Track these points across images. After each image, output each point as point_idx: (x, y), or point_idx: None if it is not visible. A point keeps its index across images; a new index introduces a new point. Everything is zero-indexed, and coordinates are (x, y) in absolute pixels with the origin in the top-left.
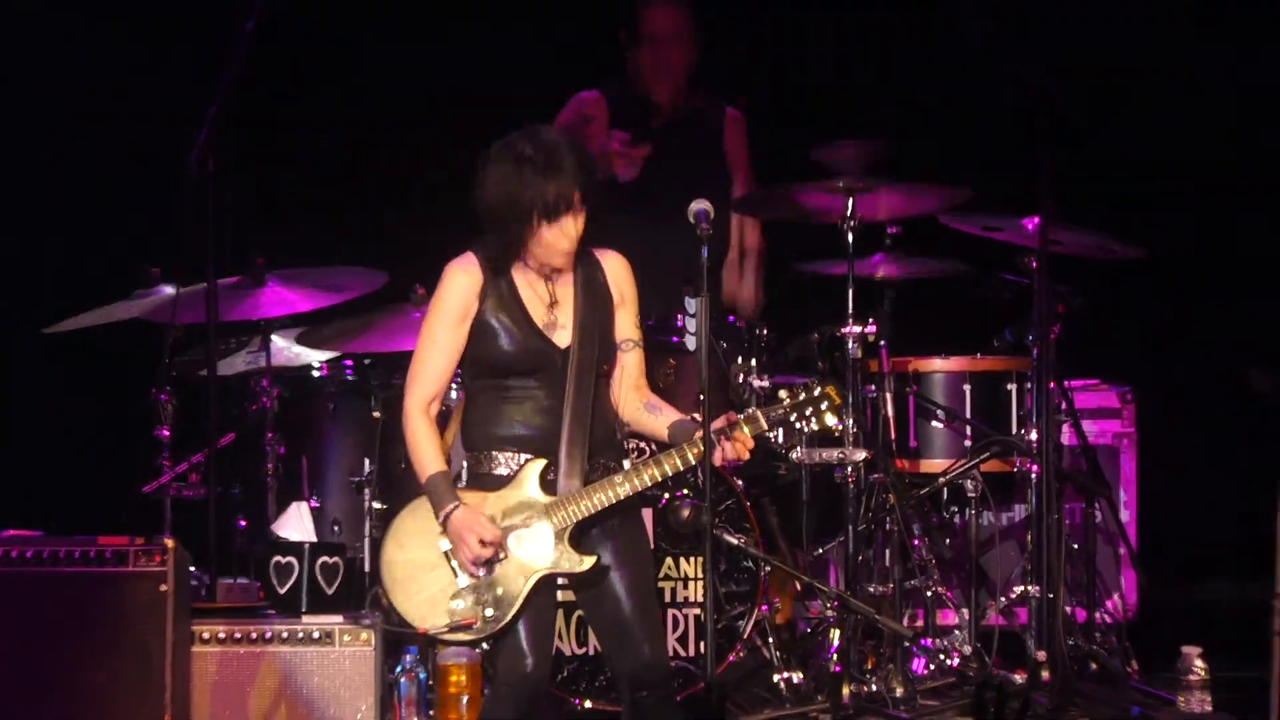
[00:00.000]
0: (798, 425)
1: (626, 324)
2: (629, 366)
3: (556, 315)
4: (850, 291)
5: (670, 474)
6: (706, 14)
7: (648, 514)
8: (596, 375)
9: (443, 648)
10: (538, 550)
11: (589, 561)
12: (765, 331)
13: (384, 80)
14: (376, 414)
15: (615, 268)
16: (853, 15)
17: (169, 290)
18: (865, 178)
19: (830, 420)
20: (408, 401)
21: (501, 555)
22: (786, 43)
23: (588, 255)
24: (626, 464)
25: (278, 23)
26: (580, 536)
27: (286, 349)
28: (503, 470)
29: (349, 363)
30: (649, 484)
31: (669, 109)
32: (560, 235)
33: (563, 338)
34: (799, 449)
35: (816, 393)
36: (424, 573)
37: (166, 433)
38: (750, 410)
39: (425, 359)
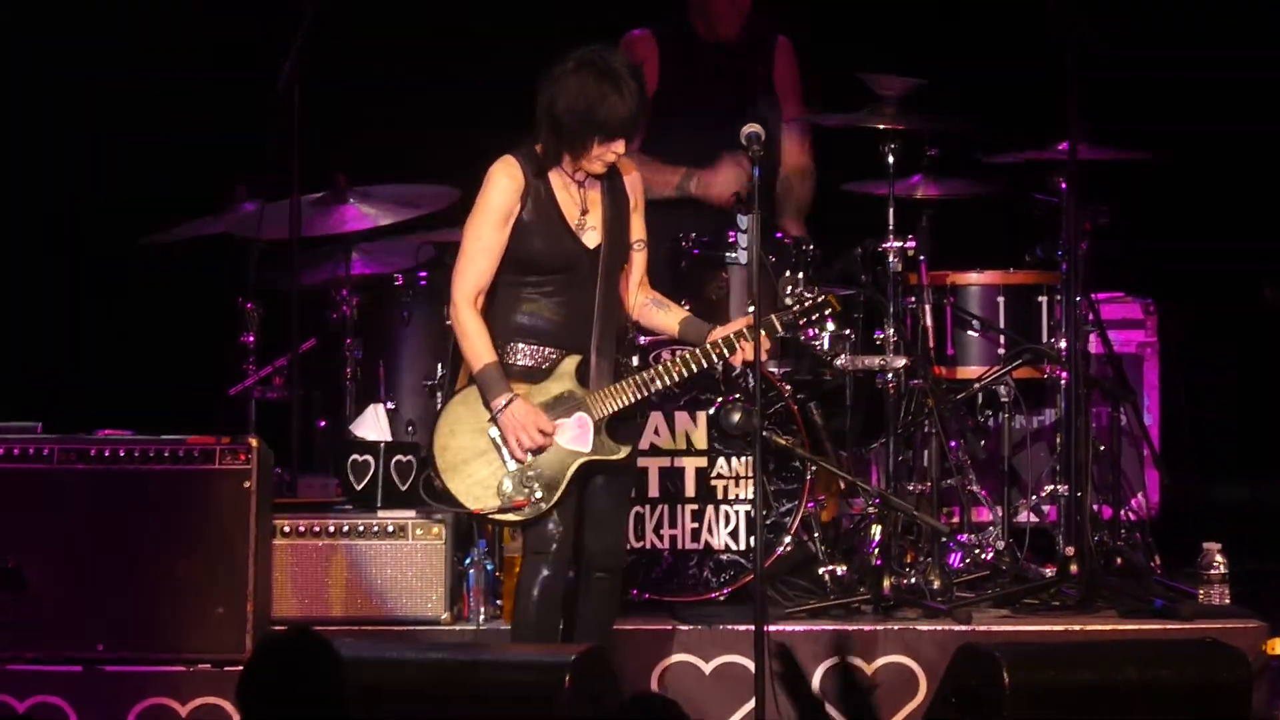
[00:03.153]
0: (807, 331)
1: (638, 226)
2: (637, 265)
3: (587, 219)
4: (891, 210)
5: (696, 372)
6: None
7: (701, 416)
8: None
9: (510, 540)
10: (579, 438)
11: (624, 450)
12: (811, 247)
13: (456, 11)
14: (449, 322)
15: (630, 171)
16: None
17: (253, 206)
18: (905, 110)
19: (830, 326)
20: (456, 296)
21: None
22: None
23: None
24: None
25: None
26: (611, 427)
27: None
28: (524, 361)
29: (423, 274)
30: (677, 380)
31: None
32: (609, 153)
33: (592, 239)
34: (843, 356)
35: (820, 299)
36: (474, 457)
37: (252, 339)
38: (766, 316)
39: (472, 256)
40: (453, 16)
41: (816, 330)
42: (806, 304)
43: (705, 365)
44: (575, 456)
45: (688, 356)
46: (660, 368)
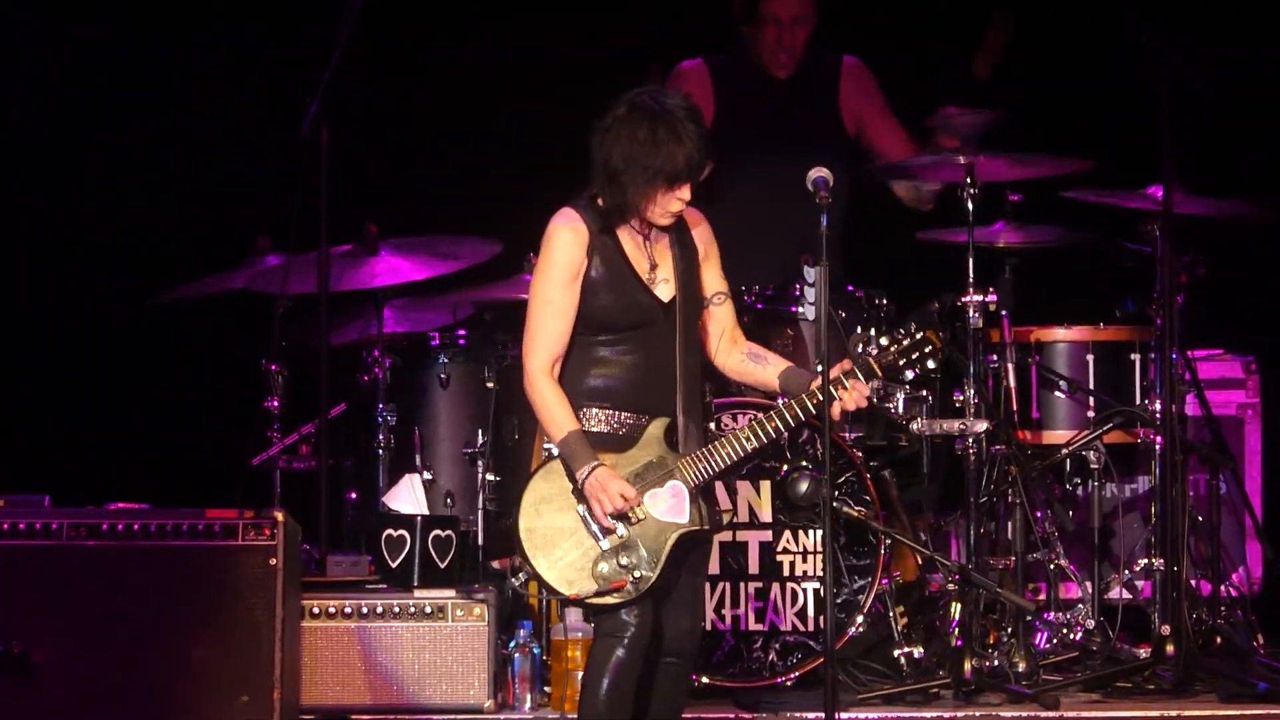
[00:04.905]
0: (906, 372)
1: (714, 278)
2: (723, 319)
3: (657, 272)
4: (971, 260)
5: (793, 424)
6: None
7: (765, 486)
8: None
9: (558, 622)
10: (675, 508)
11: (723, 518)
12: (884, 301)
13: (496, 49)
14: (490, 384)
15: (699, 223)
16: None
17: (278, 260)
18: (982, 147)
19: (931, 365)
20: (530, 366)
21: (640, 516)
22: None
23: None
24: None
25: None
26: (705, 495)
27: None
28: (598, 427)
29: (462, 332)
30: (774, 436)
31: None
32: (675, 200)
33: (664, 292)
34: (919, 420)
35: (919, 337)
36: (564, 538)
37: (276, 404)
38: (862, 360)
39: (543, 320)
40: (494, 56)
41: (918, 371)
42: (905, 343)
43: (803, 416)
44: (673, 529)
45: (783, 408)
46: (753, 424)
